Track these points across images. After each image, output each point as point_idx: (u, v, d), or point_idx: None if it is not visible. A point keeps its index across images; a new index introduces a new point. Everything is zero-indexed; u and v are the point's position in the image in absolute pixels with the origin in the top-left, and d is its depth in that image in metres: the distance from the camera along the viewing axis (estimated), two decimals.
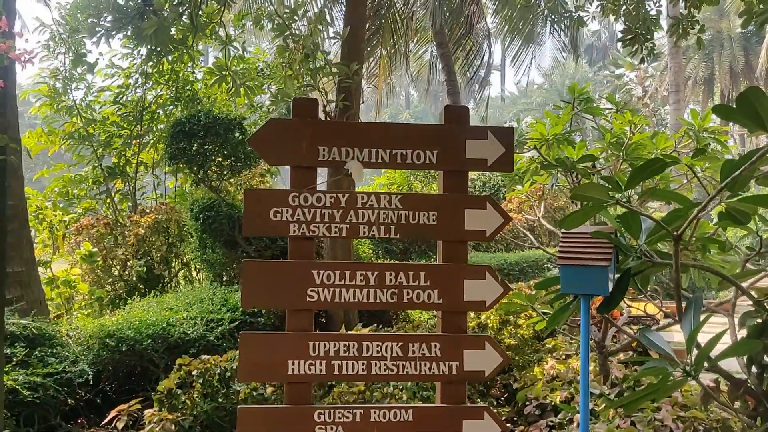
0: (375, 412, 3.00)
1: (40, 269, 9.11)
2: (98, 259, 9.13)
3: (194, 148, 8.97)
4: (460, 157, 3.09)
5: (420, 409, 3.04)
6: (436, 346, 3.04)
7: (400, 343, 3.03)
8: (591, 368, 9.41)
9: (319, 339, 2.99)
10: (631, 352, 10.98)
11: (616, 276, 4.59)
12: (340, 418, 2.98)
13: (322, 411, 2.98)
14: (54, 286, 8.95)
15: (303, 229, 3.00)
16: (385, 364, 3.01)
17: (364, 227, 3.04)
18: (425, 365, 3.03)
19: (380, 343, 3.02)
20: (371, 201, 3.05)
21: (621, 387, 8.41)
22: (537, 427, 7.85)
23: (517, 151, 7.39)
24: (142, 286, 9.60)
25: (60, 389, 5.85)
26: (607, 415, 7.40)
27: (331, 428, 2.97)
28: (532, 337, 9.91)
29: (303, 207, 3.01)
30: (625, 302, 8.13)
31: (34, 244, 10.62)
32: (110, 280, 9.46)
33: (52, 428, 6.23)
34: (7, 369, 5.55)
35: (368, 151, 3.05)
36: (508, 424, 8.10)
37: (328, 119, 7.26)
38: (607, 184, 3.70)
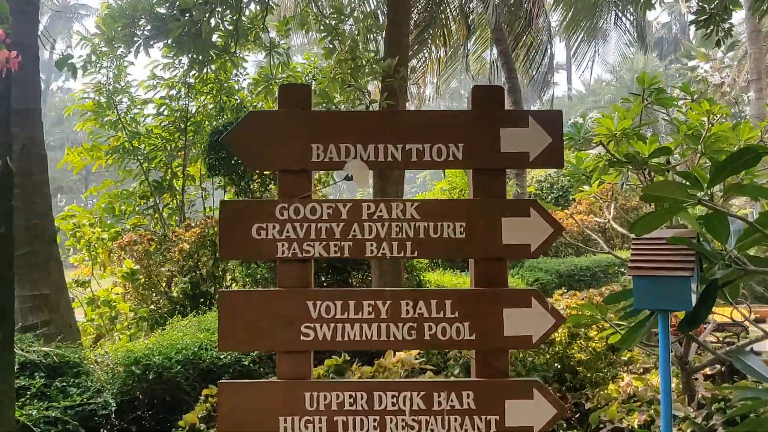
0: None
1: (79, 290, 8.83)
2: (140, 277, 8.76)
3: (234, 158, 8.51)
4: (493, 151, 2.40)
5: None
6: (469, 395, 2.35)
7: (423, 393, 2.35)
8: (673, 386, 8.45)
9: (318, 389, 2.35)
10: (717, 366, 9.93)
11: (700, 287, 3.89)
12: None
13: None
14: (95, 306, 8.62)
15: (294, 249, 2.37)
16: (403, 421, 2.34)
17: (371, 245, 2.38)
18: (455, 421, 2.34)
19: (396, 393, 2.35)
20: (380, 211, 2.39)
21: (709, 408, 7.46)
22: None
23: (583, 148, 6.68)
24: (188, 304, 9.20)
25: (78, 424, 5.39)
26: None
27: None
28: (606, 348, 9.04)
29: (294, 221, 2.38)
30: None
31: (81, 261, 10.44)
32: (154, 297, 9.09)
33: None
34: (21, 402, 5.14)
35: (374, 149, 2.40)
36: None
37: None
38: (685, 181, 3.00)
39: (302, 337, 2.35)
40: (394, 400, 2.35)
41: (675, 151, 6.37)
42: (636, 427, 7.25)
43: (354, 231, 2.38)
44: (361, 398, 2.34)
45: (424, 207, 2.40)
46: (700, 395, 7.68)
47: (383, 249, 2.37)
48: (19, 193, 6.49)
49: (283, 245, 2.37)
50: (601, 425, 7.87)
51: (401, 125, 2.41)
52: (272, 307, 2.36)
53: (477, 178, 2.42)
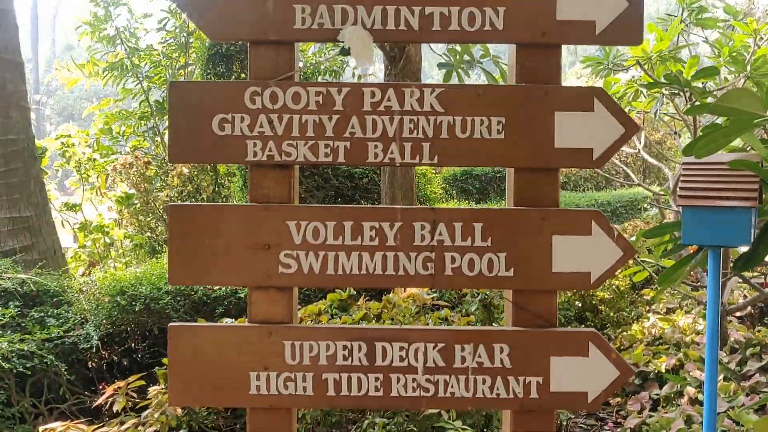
0: None
1: (70, 213, 8.31)
2: (136, 202, 8.21)
3: (234, 73, 7.82)
4: (546, 17, 1.72)
5: None
6: (502, 349, 1.74)
7: (441, 345, 1.75)
8: (703, 328, 7.91)
9: (302, 337, 1.75)
10: (749, 308, 9.37)
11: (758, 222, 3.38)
12: None
13: None
14: (87, 232, 8.11)
15: (270, 149, 1.73)
16: (414, 381, 1.75)
17: (376, 147, 1.74)
18: (484, 383, 1.75)
19: (405, 345, 1.75)
20: (388, 99, 1.74)
21: (743, 353, 6.92)
22: (637, 399, 6.50)
23: (612, 73, 6.10)
24: None
25: (54, 359, 4.92)
26: (727, 390, 5.99)
27: None
28: (629, 287, 8.50)
29: (270, 112, 1.74)
30: None
31: (78, 185, 9.91)
32: (151, 224, 8.56)
33: (63, 398, 5.39)
34: None
35: (381, 11, 1.72)
36: None
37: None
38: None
39: (281, 269, 1.74)
40: (403, 353, 1.75)
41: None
42: (663, 371, 6.73)
43: (352, 127, 1.74)
44: (359, 350, 1.75)
45: (450, 95, 1.74)
46: (732, 339, 7.12)
47: (392, 153, 1.73)
48: None
49: (255, 144, 1.73)
50: None
51: None
52: (242, 227, 1.75)
53: (523, 57, 1.75)
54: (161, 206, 8.81)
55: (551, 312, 1.76)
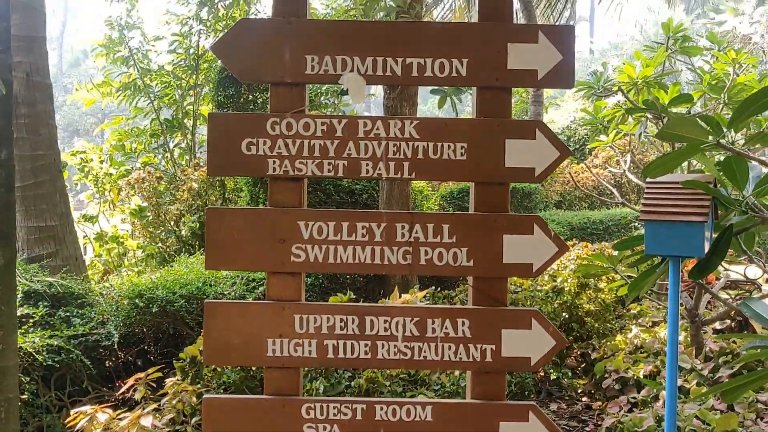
0: (381, 409, 2.26)
1: (87, 225, 8.82)
2: (149, 215, 8.72)
3: (243, 96, 8.36)
4: (499, 67, 2.25)
5: (442, 406, 2.28)
6: (464, 323, 2.26)
7: (416, 319, 2.26)
8: (681, 339, 8.36)
9: (308, 311, 2.27)
10: (728, 321, 9.82)
11: (713, 234, 3.76)
12: (335, 414, 2.26)
13: (313, 405, 2.26)
14: (103, 242, 8.61)
15: (286, 166, 2.26)
16: (395, 347, 2.26)
17: (367, 164, 2.26)
18: (450, 349, 2.26)
19: (388, 318, 2.26)
20: (377, 128, 2.26)
21: (716, 362, 7.38)
22: (617, 403, 6.98)
23: (603, 96, 6.48)
24: (196, 243, 9.18)
25: (81, 354, 5.40)
26: (698, 394, 6.45)
27: (324, 427, 2.26)
28: (615, 301, 8.96)
29: (286, 137, 2.26)
30: (722, 265, 7.12)
31: (91, 199, 10.43)
32: (162, 236, 9.06)
33: (85, 392, 5.86)
34: (23, 329, 5.15)
35: (372, 61, 2.25)
36: (584, 398, 7.27)
37: None
38: (705, 125, 2.85)
39: (293, 258, 2.26)
40: (387, 325, 2.26)
41: (696, 102, 6.17)
42: (641, 377, 7.20)
43: (349, 149, 2.26)
44: (353, 322, 2.26)
45: (424, 125, 2.27)
46: (707, 348, 7.59)
47: (379, 169, 2.26)
48: (23, 123, 6.41)
49: (274, 162, 2.26)
50: (606, 375, 7.82)
51: (402, 37, 2.26)
52: (263, 225, 2.27)
53: (481, 97, 2.28)
54: (171, 219, 9.32)
55: (503, 294, 2.27)
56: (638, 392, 7.05)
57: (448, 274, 2.29)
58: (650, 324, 9.46)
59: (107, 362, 6.24)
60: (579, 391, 7.38)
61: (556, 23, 15.41)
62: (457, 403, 2.29)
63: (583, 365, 8.60)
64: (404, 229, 2.26)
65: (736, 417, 5.32)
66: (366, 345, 2.26)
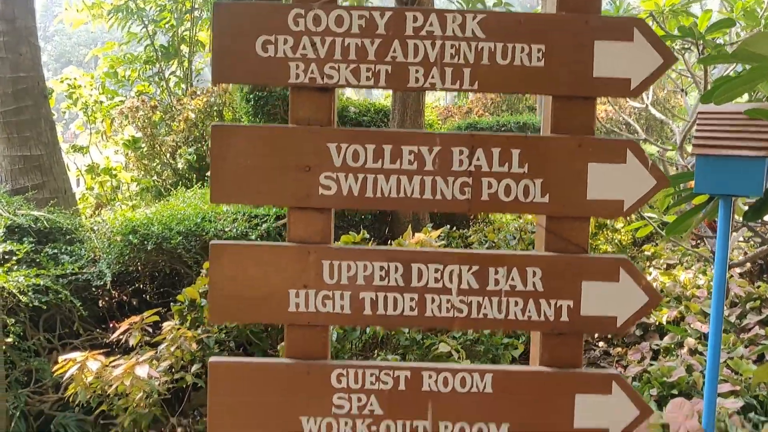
0: (430, 377, 1.82)
1: (77, 156, 8.30)
2: (143, 146, 8.19)
3: None
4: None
5: (505, 374, 1.83)
6: (535, 273, 1.80)
7: (475, 267, 1.80)
8: (703, 283, 8.00)
9: (340, 257, 1.80)
10: (748, 265, 9.48)
11: None
12: (373, 383, 1.82)
13: (345, 371, 1.82)
14: (95, 174, 8.11)
15: (312, 72, 1.75)
16: (449, 302, 1.80)
17: (417, 71, 1.76)
18: (516, 305, 1.80)
19: (440, 267, 1.80)
20: (431, 24, 1.75)
21: (743, 307, 7.03)
22: (638, 350, 6.65)
23: None
24: (193, 176, 8.68)
25: (69, 294, 4.98)
26: (727, 342, 6.12)
27: (359, 399, 1.82)
28: (631, 243, 8.59)
29: (313, 35, 1.75)
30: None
31: (83, 129, 9.87)
32: (158, 168, 8.56)
33: (77, 335, 5.48)
34: (6, 267, 4.71)
35: None
36: (601, 342, 6.97)
37: None
38: None
39: (321, 190, 1.78)
40: (438, 275, 1.80)
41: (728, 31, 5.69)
42: (665, 323, 6.84)
43: (394, 51, 1.76)
44: (396, 271, 1.80)
45: (491, 21, 1.75)
46: (733, 293, 7.21)
47: (432, 78, 1.75)
48: (1, 41, 5.83)
49: (297, 66, 1.75)
50: None
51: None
52: (283, 148, 1.78)
53: None
54: (167, 151, 8.80)
55: (584, 238, 1.81)
56: (660, 339, 6.71)
57: (515, 211, 1.82)
58: (665, 266, 9.12)
59: (100, 302, 5.85)
60: (596, 336, 7.05)
61: None
62: (524, 371, 1.85)
63: None
64: (463, 155, 1.77)
65: None
66: (412, 299, 1.80)
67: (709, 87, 4.62)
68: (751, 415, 4.59)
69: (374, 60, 1.76)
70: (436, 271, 1.80)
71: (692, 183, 4.16)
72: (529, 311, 1.80)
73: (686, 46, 5.99)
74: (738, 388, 4.90)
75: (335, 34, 1.75)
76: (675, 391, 5.11)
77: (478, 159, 1.77)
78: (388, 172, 1.78)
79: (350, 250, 1.82)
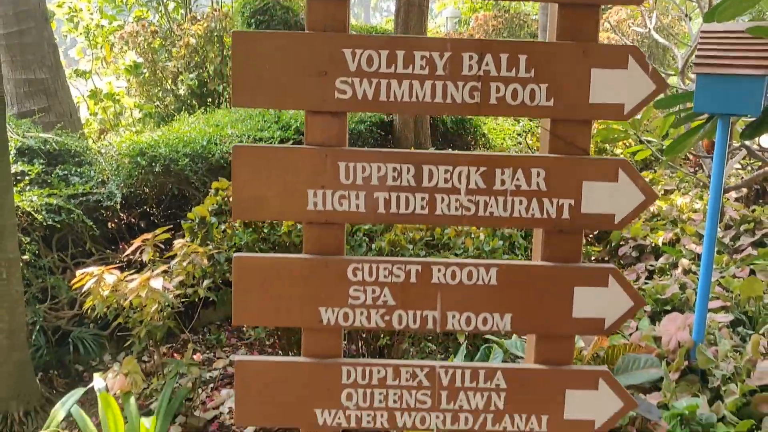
0: (439, 271, 1.96)
1: (80, 81, 8.30)
2: (145, 71, 8.18)
3: None
4: None
5: (509, 268, 1.97)
6: (539, 174, 1.91)
7: (483, 168, 1.91)
8: (699, 207, 8.15)
9: (354, 158, 1.91)
10: (744, 190, 9.63)
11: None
12: (386, 276, 1.96)
13: (360, 266, 1.96)
14: (97, 99, 8.13)
15: None
16: (457, 201, 1.92)
17: None
18: (521, 204, 1.92)
19: (450, 168, 1.91)
20: None
21: (737, 230, 7.20)
22: (634, 270, 6.87)
23: None
24: (194, 102, 8.70)
25: (83, 214, 5.10)
26: (720, 262, 6.31)
27: (373, 291, 1.96)
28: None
29: None
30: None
31: (83, 56, 9.81)
32: (160, 94, 8.57)
33: (89, 254, 5.64)
34: (19, 187, 4.82)
35: None
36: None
37: None
38: None
39: (337, 95, 1.87)
40: (448, 176, 1.91)
41: None
42: (660, 244, 7.01)
43: None
44: (408, 172, 1.91)
45: None
46: (728, 216, 7.37)
47: None
48: None
49: None
50: (623, 242, 7.65)
51: None
52: (299, 54, 1.86)
53: None
54: (168, 77, 8.79)
55: (585, 140, 1.91)
56: (656, 260, 6.90)
57: (522, 115, 1.91)
58: (662, 192, 9.25)
59: (109, 224, 5.99)
60: (593, 258, 7.25)
61: None
62: (527, 265, 1.97)
63: (596, 232, 8.44)
64: (472, 60, 1.86)
65: (761, 282, 5.17)
66: (423, 199, 1.92)
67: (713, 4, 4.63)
68: (740, 329, 4.79)
69: None
70: (446, 172, 1.91)
71: (692, 105, 4.23)
72: (533, 209, 1.92)
73: None
74: (728, 304, 5.09)
75: None
76: (668, 308, 5.30)
77: (487, 64, 1.86)
78: (401, 76, 1.86)
79: (365, 152, 1.92)
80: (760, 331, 4.48)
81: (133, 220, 6.20)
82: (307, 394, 2.01)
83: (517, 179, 1.91)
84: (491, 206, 1.92)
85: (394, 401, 2.02)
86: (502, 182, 1.91)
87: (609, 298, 1.97)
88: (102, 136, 7.79)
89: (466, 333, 1.90)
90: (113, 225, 6.04)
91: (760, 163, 9.99)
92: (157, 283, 3.94)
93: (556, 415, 2.02)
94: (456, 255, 4.58)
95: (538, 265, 1.97)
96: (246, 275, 1.95)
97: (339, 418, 2.03)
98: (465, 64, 1.86)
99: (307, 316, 1.97)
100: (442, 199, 1.92)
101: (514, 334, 4.76)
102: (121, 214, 6.09)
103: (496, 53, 1.85)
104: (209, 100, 8.71)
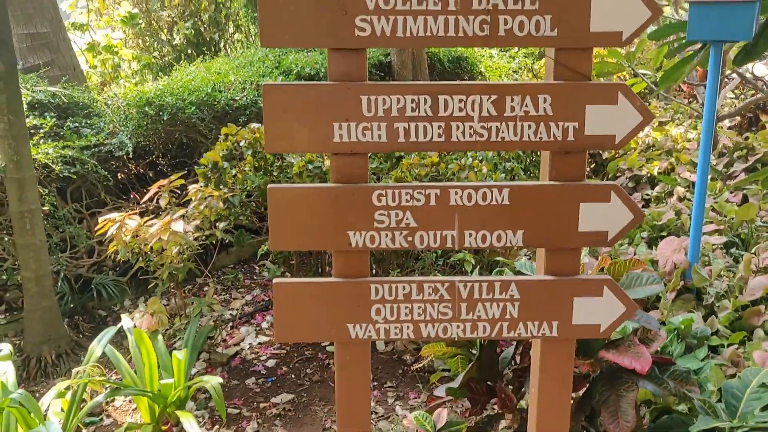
0: (456, 194, 2.14)
1: (78, 33, 8.32)
2: (140, 22, 8.20)
3: None
4: None
5: (519, 188, 2.15)
6: (546, 99, 2.07)
7: (494, 96, 2.07)
8: (693, 136, 8.30)
9: (375, 92, 2.07)
10: (738, 118, 9.76)
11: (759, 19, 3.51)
12: (408, 201, 2.14)
13: (384, 192, 2.13)
14: (96, 52, 8.17)
15: None
16: (471, 128, 2.09)
17: None
18: (529, 128, 2.09)
19: (464, 98, 2.07)
20: None
21: (731, 157, 7.36)
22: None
23: None
24: (192, 52, 8.75)
25: (98, 164, 5.26)
26: (714, 188, 6.50)
27: (396, 214, 2.15)
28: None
29: None
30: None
31: (74, 8, 9.76)
32: (157, 45, 8.60)
33: (102, 204, 5.81)
34: (34, 140, 4.95)
35: None
36: None
37: None
38: None
39: (357, 32, 2.02)
40: (462, 104, 2.07)
41: None
42: (656, 173, 7.20)
43: None
44: (425, 103, 2.07)
45: None
46: (721, 144, 7.54)
47: None
48: None
49: None
50: (619, 173, 7.83)
51: None
52: None
53: None
54: (164, 27, 8.81)
55: (587, 67, 2.07)
56: (652, 189, 7.10)
57: (528, 45, 2.06)
58: (657, 123, 9.38)
59: (119, 174, 6.14)
60: None
61: None
62: (537, 185, 2.16)
63: (592, 165, 8.62)
64: None
65: (755, 207, 5.37)
66: (439, 127, 2.08)
67: None
68: (733, 250, 5.01)
69: None
70: (460, 101, 2.07)
71: (684, 35, 4.34)
72: (541, 133, 2.09)
73: None
74: (722, 227, 5.31)
75: None
76: (664, 233, 5.52)
77: None
78: (416, 12, 2.01)
79: (384, 85, 2.08)
80: (752, 251, 4.70)
81: (141, 170, 6.36)
82: (339, 311, 2.21)
83: (526, 105, 2.07)
84: (502, 131, 2.09)
85: (419, 314, 2.23)
86: (512, 109, 2.07)
87: (611, 213, 2.15)
88: (103, 89, 7.86)
89: (481, 248, 2.09)
90: (123, 175, 6.20)
91: (752, 92, 10.11)
92: (179, 226, 4.13)
93: (566, 320, 2.23)
94: None
95: (546, 184, 2.15)
96: (280, 205, 2.13)
97: (369, 332, 2.24)
98: (474, 0, 2.00)
99: (337, 240, 2.15)
100: (457, 127, 2.08)
101: (523, 257, 4.99)
102: (130, 165, 6.24)
103: None
104: (204, 49, 8.75)
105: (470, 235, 2.16)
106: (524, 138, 2.09)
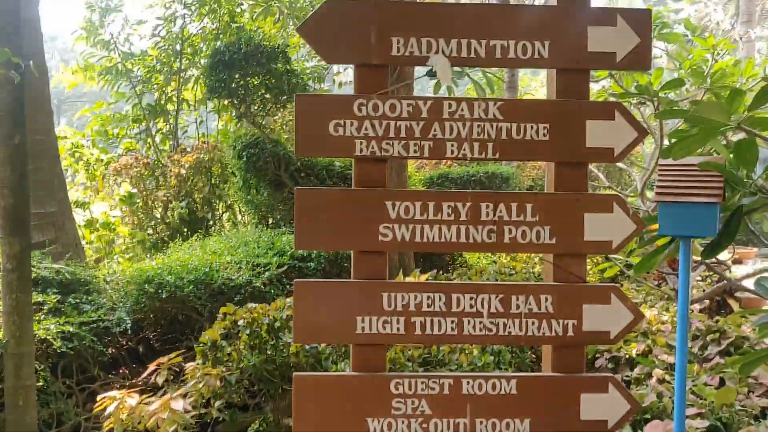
0: (468, 383, 2.33)
1: (79, 211, 8.67)
2: (138, 201, 8.61)
3: (235, 80, 8.28)
4: (579, 49, 2.31)
5: (525, 379, 2.35)
6: (547, 299, 2.33)
7: (501, 296, 2.32)
8: (667, 318, 8.61)
9: (395, 289, 2.31)
10: (707, 302, 10.14)
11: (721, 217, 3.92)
12: (423, 389, 2.32)
13: (401, 380, 2.31)
14: (93, 228, 8.48)
15: (372, 147, 2.29)
16: (480, 323, 2.32)
17: (452, 145, 2.30)
18: (533, 324, 2.33)
19: (474, 296, 2.32)
20: (462, 110, 2.31)
21: (704, 339, 7.61)
22: None
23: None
24: (185, 229, 9.10)
25: (96, 339, 5.35)
26: (691, 371, 6.67)
27: (412, 402, 2.31)
28: (598, 282, 9.14)
29: (372, 118, 2.29)
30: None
31: (72, 185, 10.22)
32: (152, 222, 8.96)
33: (92, 379, 5.80)
34: (37, 317, 5.07)
35: (457, 43, 2.29)
36: None
37: None
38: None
39: (380, 238, 2.30)
40: (472, 302, 2.32)
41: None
42: (634, 355, 7.39)
43: (434, 130, 2.30)
44: (439, 300, 2.31)
45: (508, 106, 2.32)
46: (694, 327, 7.83)
47: (464, 149, 2.30)
48: None
49: (360, 143, 2.28)
50: (599, 354, 8.02)
51: (485, 19, 2.30)
52: (349, 206, 2.29)
53: (561, 79, 2.34)
54: (159, 205, 9.23)
55: (582, 271, 2.35)
56: (631, 370, 7.26)
57: (530, 251, 2.35)
58: None
59: (110, 349, 6.18)
60: None
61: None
62: (540, 377, 2.36)
63: None
64: (489, 209, 2.31)
65: (734, 390, 5.54)
66: (452, 322, 2.31)
67: (664, 136, 5.25)
68: None
69: (419, 137, 2.30)
70: (471, 299, 2.32)
71: (655, 226, 4.75)
72: (543, 329, 2.32)
73: (642, 101, 6.65)
74: (703, 410, 5.44)
75: (389, 117, 2.29)
76: (648, 416, 5.62)
77: (500, 211, 2.31)
78: (432, 222, 2.30)
79: (403, 284, 2.33)
80: None
81: (131, 345, 6.40)
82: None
83: (530, 304, 2.32)
84: (509, 327, 2.32)
85: None
86: (518, 306, 2.32)
87: (610, 402, 2.34)
88: (98, 264, 8.07)
89: None
90: (114, 350, 6.23)
91: (718, 276, 10.62)
92: (178, 405, 4.17)
93: None
94: (452, 371, 4.90)
95: (550, 376, 2.35)
96: (304, 390, 2.29)
97: None
98: (483, 212, 2.31)
99: (355, 427, 2.30)
100: (469, 322, 2.31)
101: None
102: (121, 340, 6.30)
103: (507, 203, 2.32)
104: (197, 227, 9.12)
105: (481, 422, 2.32)
106: (529, 333, 2.32)
